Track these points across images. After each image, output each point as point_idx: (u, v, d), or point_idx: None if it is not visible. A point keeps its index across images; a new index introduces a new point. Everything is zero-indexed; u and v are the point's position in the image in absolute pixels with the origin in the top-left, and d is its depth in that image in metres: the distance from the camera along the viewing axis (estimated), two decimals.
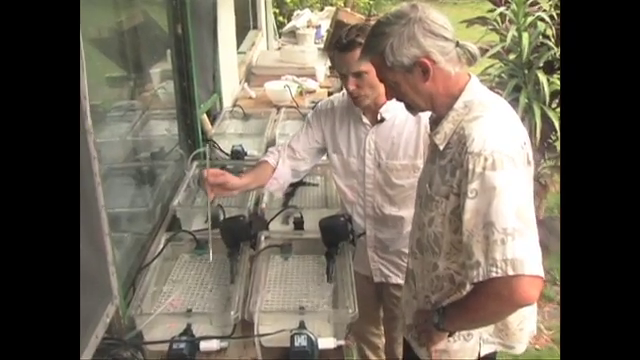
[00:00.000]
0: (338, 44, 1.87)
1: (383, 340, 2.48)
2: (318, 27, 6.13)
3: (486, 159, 1.32)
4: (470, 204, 1.33)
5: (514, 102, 3.45)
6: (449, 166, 1.43)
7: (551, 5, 3.70)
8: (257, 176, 2.04)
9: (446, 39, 1.40)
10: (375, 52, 1.44)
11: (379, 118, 1.98)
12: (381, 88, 1.67)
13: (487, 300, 1.34)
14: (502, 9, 3.73)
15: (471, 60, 1.45)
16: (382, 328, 2.46)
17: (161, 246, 1.92)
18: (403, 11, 1.41)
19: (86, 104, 1.27)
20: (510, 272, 1.27)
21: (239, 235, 1.88)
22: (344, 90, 2.00)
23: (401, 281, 2.05)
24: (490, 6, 4.32)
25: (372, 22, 1.70)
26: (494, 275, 1.29)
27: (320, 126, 2.11)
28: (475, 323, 1.50)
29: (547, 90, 3.45)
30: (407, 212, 1.91)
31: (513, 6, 3.59)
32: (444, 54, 1.40)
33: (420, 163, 1.91)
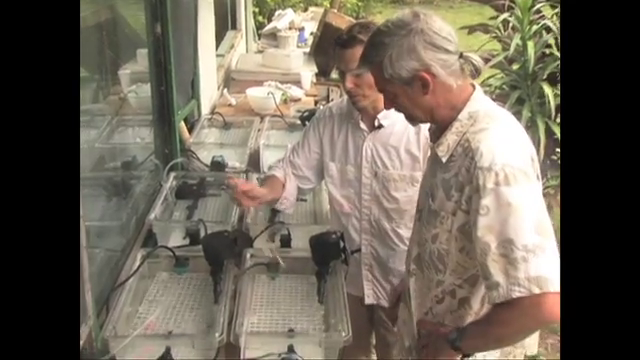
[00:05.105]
0: (339, 39, 1.98)
1: None
2: (302, 29, 6.19)
3: (497, 174, 1.39)
4: (482, 221, 1.40)
5: (516, 115, 3.50)
6: (454, 180, 1.51)
7: (555, 14, 3.82)
8: (272, 189, 2.16)
9: (448, 52, 1.48)
10: (373, 63, 1.52)
11: (376, 124, 2.08)
12: None
13: (511, 319, 1.42)
14: (506, 15, 3.84)
15: (474, 73, 1.54)
16: (373, 357, 2.52)
17: (137, 263, 1.95)
18: (405, 20, 1.48)
19: None
20: (536, 290, 1.34)
21: (223, 252, 1.93)
22: (343, 97, 2.09)
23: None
24: (491, 12, 4.43)
25: (374, 22, 1.79)
26: (517, 295, 1.36)
27: (318, 135, 2.21)
28: (498, 342, 1.55)
29: (552, 103, 3.55)
30: (405, 229, 2.01)
31: (517, 12, 3.69)
32: (445, 67, 1.48)
33: (419, 175, 1.99)
